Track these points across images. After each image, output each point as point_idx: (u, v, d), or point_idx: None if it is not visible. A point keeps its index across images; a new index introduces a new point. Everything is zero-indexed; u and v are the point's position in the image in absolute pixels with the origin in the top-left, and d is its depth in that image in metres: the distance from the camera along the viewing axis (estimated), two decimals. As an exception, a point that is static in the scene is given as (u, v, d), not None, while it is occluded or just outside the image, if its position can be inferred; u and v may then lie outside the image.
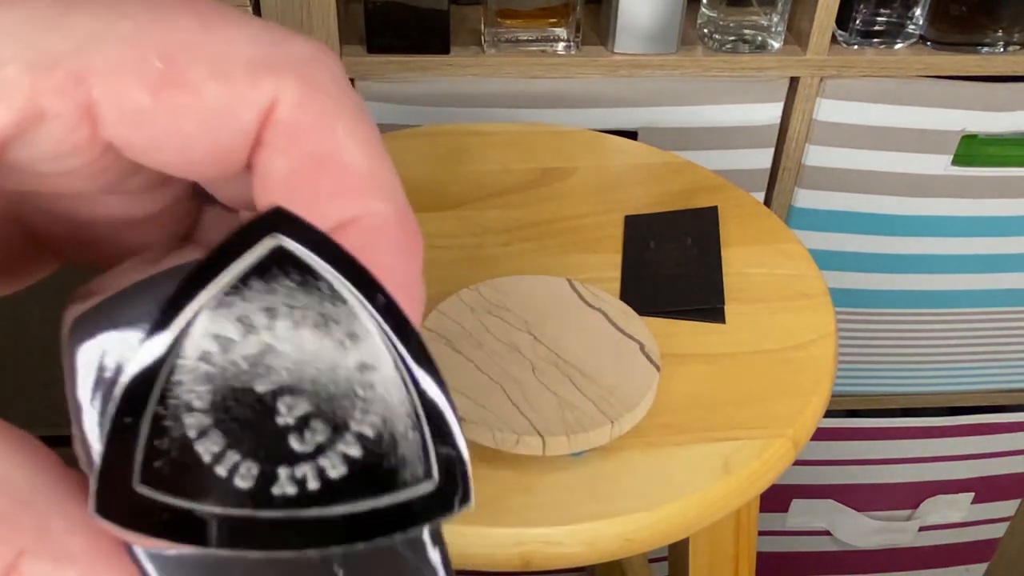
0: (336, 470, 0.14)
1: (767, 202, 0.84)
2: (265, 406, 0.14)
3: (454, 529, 0.41)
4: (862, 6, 0.75)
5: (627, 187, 0.64)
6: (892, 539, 1.13)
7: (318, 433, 0.14)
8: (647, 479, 0.44)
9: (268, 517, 0.14)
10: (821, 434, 1.01)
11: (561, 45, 0.74)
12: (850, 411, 1.02)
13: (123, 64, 0.15)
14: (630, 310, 0.51)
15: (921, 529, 1.12)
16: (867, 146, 0.80)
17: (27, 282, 0.20)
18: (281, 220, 0.14)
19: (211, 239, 0.20)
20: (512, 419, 0.44)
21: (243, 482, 0.13)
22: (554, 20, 0.73)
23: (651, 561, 0.94)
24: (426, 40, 0.73)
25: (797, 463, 0.49)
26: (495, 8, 0.72)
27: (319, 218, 0.16)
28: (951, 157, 0.81)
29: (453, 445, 0.15)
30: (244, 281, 0.14)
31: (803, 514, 1.10)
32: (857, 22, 0.76)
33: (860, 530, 1.11)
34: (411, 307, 0.16)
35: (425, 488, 0.14)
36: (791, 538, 1.13)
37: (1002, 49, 0.77)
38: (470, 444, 0.47)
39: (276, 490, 0.14)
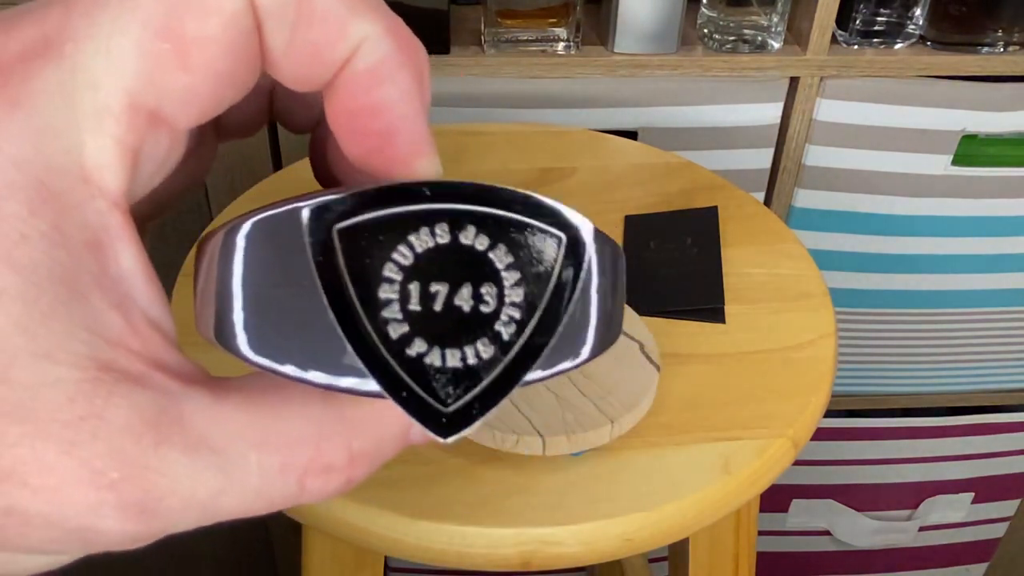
0: (517, 295, 0.18)
1: (767, 202, 0.84)
2: (452, 307, 0.18)
3: (453, 529, 0.41)
4: (862, 6, 0.75)
5: (627, 187, 0.64)
6: (892, 539, 1.13)
7: (490, 294, 0.18)
8: (647, 479, 0.44)
9: (512, 358, 0.18)
10: (821, 434, 1.01)
11: (561, 45, 0.74)
12: (850, 411, 1.02)
13: (142, 65, 0.17)
14: (630, 310, 0.51)
15: (921, 529, 1.12)
16: (867, 146, 0.80)
17: None
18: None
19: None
20: (512, 419, 0.44)
21: (487, 351, 0.18)
22: (554, 20, 0.73)
23: (651, 561, 0.94)
24: (426, 40, 0.72)
25: (797, 463, 0.49)
26: (495, 8, 0.72)
27: (327, 69, 0.18)
28: (951, 157, 0.81)
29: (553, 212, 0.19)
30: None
31: (803, 514, 1.10)
32: (857, 22, 0.76)
33: (860, 530, 1.11)
34: (421, 120, 0.19)
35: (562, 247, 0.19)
36: (791, 538, 1.13)
37: (1002, 49, 0.77)
38: (470, 444, 0.47)
39: (499, 327, 0.18)
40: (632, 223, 0.61)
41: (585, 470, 0.45)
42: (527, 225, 0.18)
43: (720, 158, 0.79)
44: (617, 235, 0.60)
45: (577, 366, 0.19)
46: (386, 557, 0.52)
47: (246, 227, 0.17)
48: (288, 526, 0.98)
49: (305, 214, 0.17)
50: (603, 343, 0.20)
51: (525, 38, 0.74)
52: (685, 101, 0.76)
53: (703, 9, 0.76)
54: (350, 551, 0.50)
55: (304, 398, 0.18)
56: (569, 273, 0.19)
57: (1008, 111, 0.79)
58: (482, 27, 0.73)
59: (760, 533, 1.04)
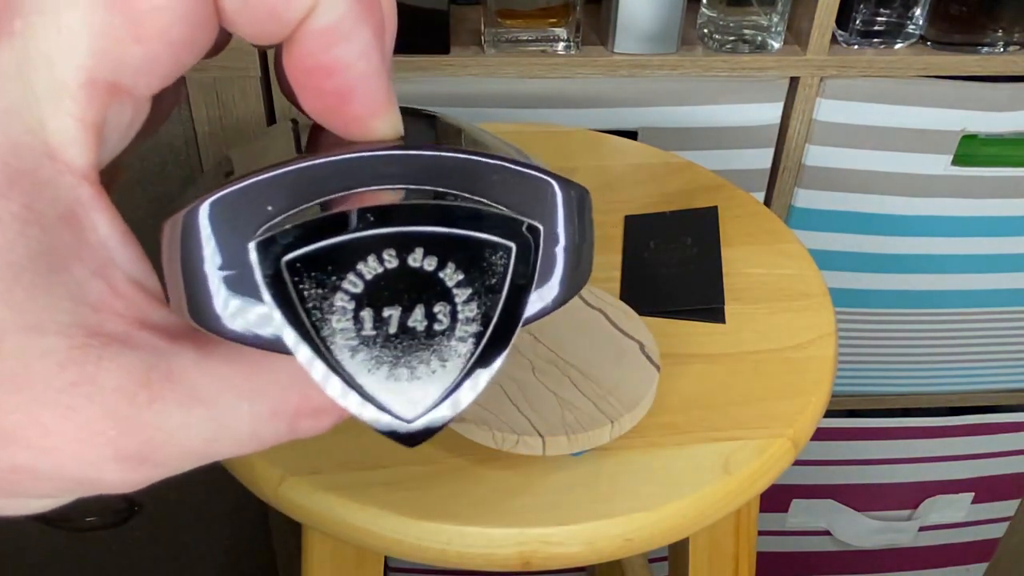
0: (470, 310, 0.19)
1: (767, 202, 0.84)
2: (407, 328, 0.18)
3: (453, 529, 0.41)
4: (862, 6, 0.75)
5: (627, 187, 0.64)
6: (892, 539, 1.13)
7: (443, 312, 0.18)
8: (647, 479, 0.44)
9: (471, 365, 0.19)
10: (821, 434, 1.01)
11: (561, 45, 0.74)
12: (850, 411, 1.02)
13: (95, 40, 0.17)
14: (630, 310, 0.51)
15: (921, 529, 1.12)
16: (867, 146, 0.80)
17: None
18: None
19: None
20: (512, 419, 0.44)
21: (444, 367, 0.19)
22: (554, 20, 0.73)
23: (651, 561, 0.94)
24: (426, 40, 0.73)
25: (797, 463, 0.49)
26: (495, 8, 0.72)
27: (284, 26, 0.18)
28: (951, 157, 0.81)
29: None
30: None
31: (803, 514, 1.10)
32: (857, 22, 0.76)
33: (860, 530, 1.11)
34: (380, 78, 0.19)
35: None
36: (791, 538, 1.13)
37: (1002, 49, 0.77)
38: (470, 444, 0.47)
39: (455, 343, 0.19)
40: (632, 223, 0.61)
41: (585, 470, 0.45)
42: (475, 241, 0.18)
43: (720, 158, 0.79)
44: (617, 235, 0.60)
45: (545, 313, 0.20)
46: (386, 557, 0.52)
47: (205, 208, 0.18)
48: (288, 526, 0.98)
49: (252, 248, 0.17)
50: (571, 289, 0.20)
51: (525, 38, 0.74)
52: (685, 101, 0.76)
53: (703, 9, 0.76)
54: (350, 551, 0.50)
55: None
56: (524, 273, 0.19)
57: (1008, 111, 0.79)
58: (482, 27, 0.73)
59: (760, 533, 1.04)
